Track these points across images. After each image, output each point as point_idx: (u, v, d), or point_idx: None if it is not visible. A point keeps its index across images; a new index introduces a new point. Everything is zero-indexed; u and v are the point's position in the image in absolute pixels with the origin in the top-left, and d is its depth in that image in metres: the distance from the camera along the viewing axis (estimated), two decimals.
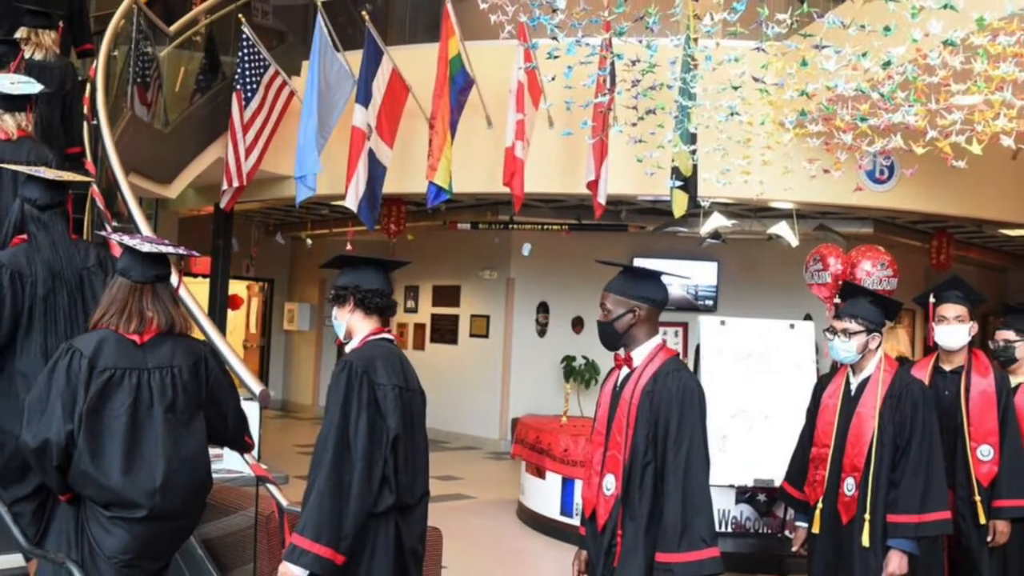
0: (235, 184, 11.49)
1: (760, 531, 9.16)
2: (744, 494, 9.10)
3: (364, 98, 10.65)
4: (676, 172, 9.74)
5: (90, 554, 4.22)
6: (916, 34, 4.89)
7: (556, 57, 6.51)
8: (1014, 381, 6.36)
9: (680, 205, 10.12)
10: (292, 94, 11.80)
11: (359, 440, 4.27)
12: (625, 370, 4.59)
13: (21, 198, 5.40)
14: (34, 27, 7.67)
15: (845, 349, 5.56)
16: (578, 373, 16.28)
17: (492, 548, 10.17)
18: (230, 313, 16.53)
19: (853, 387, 5.62)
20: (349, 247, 14.70)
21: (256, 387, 5.52)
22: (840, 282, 8.06)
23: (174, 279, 4.81)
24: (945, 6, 4.78)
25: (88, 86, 7.95)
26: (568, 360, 16.40)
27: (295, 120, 11.15)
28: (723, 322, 9.45)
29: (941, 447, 5.50)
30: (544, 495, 10.66)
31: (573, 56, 6.48)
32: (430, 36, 12.20)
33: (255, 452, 5.36)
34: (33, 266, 5.18)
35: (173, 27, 10.99)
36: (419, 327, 18.65)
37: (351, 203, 10.60)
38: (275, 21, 14.18)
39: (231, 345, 5.83)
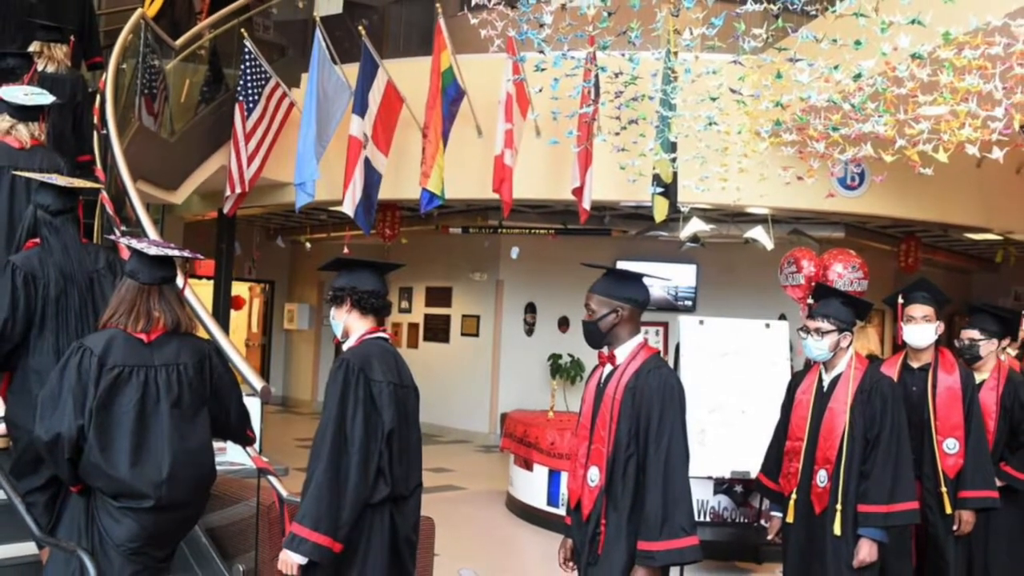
0: (238, 190, 11.48)
1: (737, 521, 9.17)
2: (722, 485, 9.11)
3: (360, 109, 10.65)
4: (657, 179, 9.75)
5: (100, 542, 4.23)
6: (885, 48, 4.90)
7: (543, 70, 6.51)
8: (978, 378, 6.39)
9: (661, 210, 10.13)
10: (292, 105, 11.77)
11: (356, 434, 4.28)
12: (609, 367, 4.60)
13: (34, 204, 5.40)
14: (47, 41, 7.67)
15: (818, 347, 5.57)
16: (564, 370, 16.28)
17: (482, 536, 10.16)
18: (233, 313, 16.50)
19: (825, 383, 5.63)
20: (346, 250, 14.65)
21: (258, 383, 5.53)
22: (813, 284, 8.07)
23: (180, 281, 4.82)
24: (913, 21, 4.79)
25: (98, 97, 7.94)
26: (554, 358, 16.40)
27: (295, 130, 11.13)
28: (702, 322, 9.47)
29: (909, 441, 5.51)
30: (532, 486, 10.66)
31: (559, 69, 6.48)
32: (423, 50, 12.17)
33: (256, 445, 5.37)
34: (45, 268, 5.18)
35: (179, 41, 10.99)
36: (413, 326, 18.62)
37: (348, 208, 10.60)
38: (276, 35, 14.14)
39: (234, 344, 5.83)
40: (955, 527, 6.04)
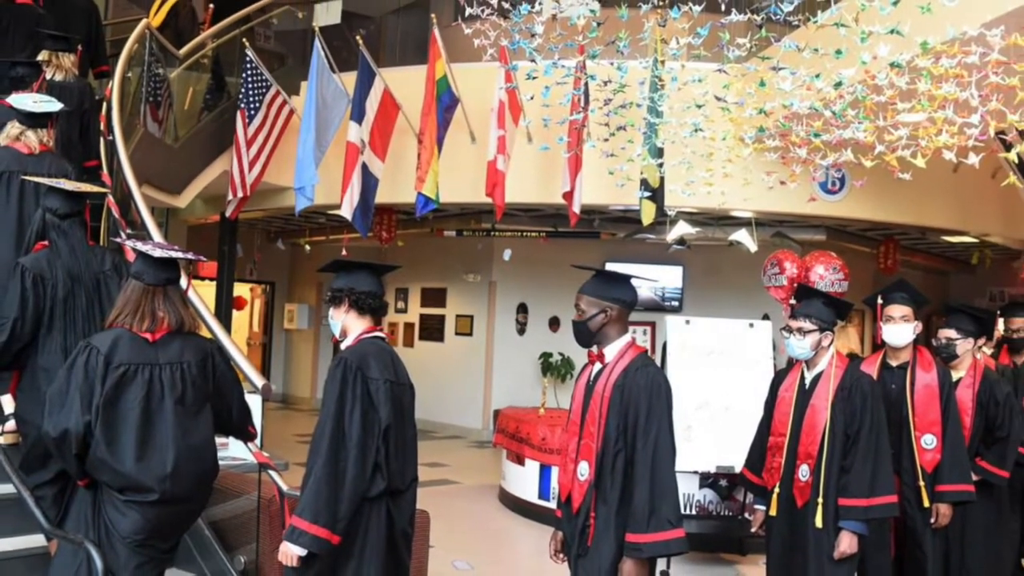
0: (239, 195, 11.48)
1: (722, 514, 9.17)
2: (707, 479, 9.11)
3: (358, 116, 10.66)
4: (644, 183, 9.76)
5: (106, 535, 4.23)
6: (865, 57, 4.91)
7: (534, 78, 6.52)
8: (955, 376, 6.40)
9: (648, 214, 10.14)
10: (292, 112, 11.76)
11: (353, 430, 4.28)
12: (598, 365, 4.59)
13: (43, 207, 5.41)
14: (55, 50, 7.64)
15: (800, 346, 5.57)
16: (555, 368, 16.28)
17: (476, 529, 10.16)
18: (235, 313, 16.45)
19: (807, 381, 5.63)
20: (344, 253, 14.62)
21: (259, 381, 5.52)
22: (795, 285, 8.08)
23: (183, 282, 4.81)
24: (892, 31, 4.80)
25: (104, 105, 7.92)
26: (545, 356, 16.40)
27: (294, 136, 11.12)
28: (688, 321, 9.46)
29: (888, 436, 5.52)
30: (523, 480, 10.66)
31: (550, 77, 6.49)
32: (419, 59, 12.18)
33: (258, 441, 5.36)
34: (54, 270, 5.18)
35: (183, 50, 10.95)
36: (409, 326, 18.61)
37: (346, 212, 10.60)
38: (276, 45, 14.11)
39: (236, 343, 5.82)
40: (933, 520, 6.05)
